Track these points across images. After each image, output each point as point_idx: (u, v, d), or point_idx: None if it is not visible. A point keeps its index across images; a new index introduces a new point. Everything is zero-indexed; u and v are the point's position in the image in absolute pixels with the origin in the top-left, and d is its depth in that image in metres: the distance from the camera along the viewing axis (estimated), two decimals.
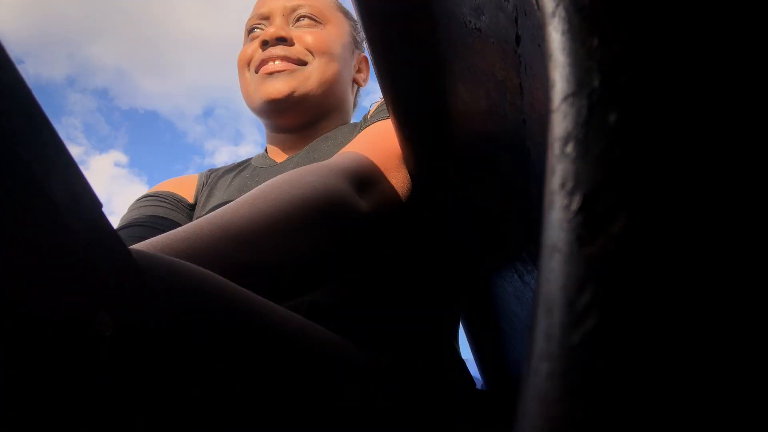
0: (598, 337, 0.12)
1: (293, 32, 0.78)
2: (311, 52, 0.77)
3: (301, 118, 0.78)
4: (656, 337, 0.12)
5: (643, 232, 0.13)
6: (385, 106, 0.69)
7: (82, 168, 0.21)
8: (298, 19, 0.79)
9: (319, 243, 0.46)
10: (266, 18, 0.81)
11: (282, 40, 0.77)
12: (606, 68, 0.14)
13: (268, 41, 0.76)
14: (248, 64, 0.80)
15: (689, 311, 0.12)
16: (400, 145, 0.59)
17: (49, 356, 0.20)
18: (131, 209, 0.76)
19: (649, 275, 0.12)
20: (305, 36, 0.78)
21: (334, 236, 0.48)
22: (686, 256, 0.12)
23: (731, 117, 0.13)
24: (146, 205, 0.75)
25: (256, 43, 0.79)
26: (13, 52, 0.18)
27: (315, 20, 0.79)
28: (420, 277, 0.67)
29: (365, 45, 0.47)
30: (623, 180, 0.13)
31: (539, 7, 0.17)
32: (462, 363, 0.68)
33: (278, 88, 0.74)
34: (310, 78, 0.76)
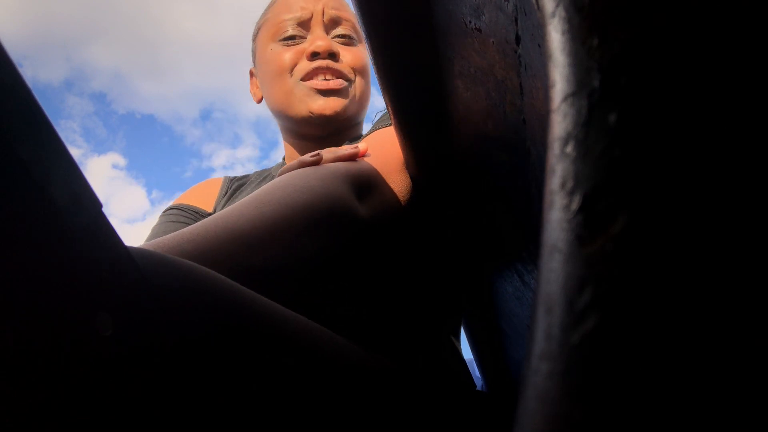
0: (598, 337, 0.12)
1: (348, 57, 0.80)
2: (354, 70, 0.80)
3: (333, 130, 0.80)
4: (656, 337, 0.12)
5: (643, 232, 0.13)
6: (388, 116, 0.70)
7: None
8: (336, 35, 0.80)
9: (321, 248, 0.47)
10: (303, 23, 0.80)
11: (332, 56, 0.78)
12: (606, 68, 0.14)
13: (320, 54, 0.77)
14: (289, 71, 0.79)
15: (689, 311, 0.12)
16: (401, 146, 0.59)
17: (49, 356, 0.20)
18: (158, 223, 0.79)
19: (649, 275, 0.12)
20: (346, 53, 0.79)
21: (336, 241, 0.49)
22: (686, 256, 0.12)
23: (731, 117, 0.13)
24: (167, 221, 0.78)
25: (298, 52, 0.79)
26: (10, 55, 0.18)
27: (351, 38, 0.81)
28: (421, 277, 0.67)
29: (368, 46, 0.47)
30: (623, 180, 0.13)
31: (539, 7, 0.17)
32: (462, 363, 0.68)
33: (332, 106, 0.76)
34: (354, 97, 0.79)
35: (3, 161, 0.17)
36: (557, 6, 0.16)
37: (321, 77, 0.77)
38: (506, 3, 0.27)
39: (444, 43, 0.40)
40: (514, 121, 0.33)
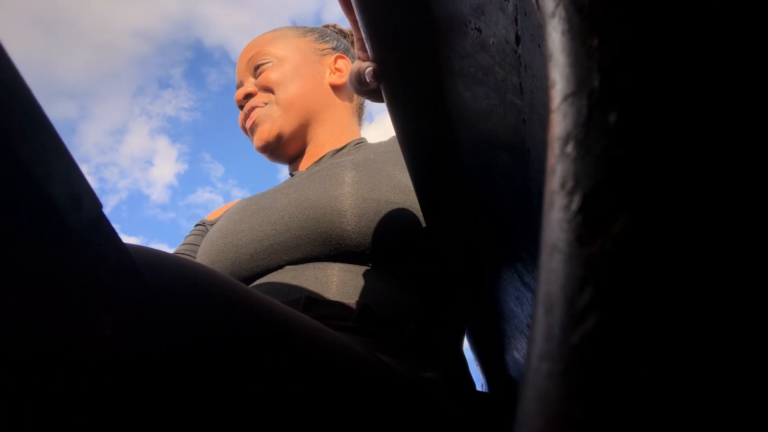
0: (598, 337, 0.12)
1: (257, 82, 0.88)
2: (271, 90, 0.87)
3: (295, 144, 0.87)
4: (656, 337, 0.12)
5: (643, 233, 0.13)
6: None
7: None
8: (257, 69, 0.89)
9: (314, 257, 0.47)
10: (240, 86, 0.91)
11: (248, 96, 0.88)
12: (606, 68, 0.14)
13: (241, 103, 0.89)
14: (243, 128, 0.92)
15: (689, 311, 0.12)
16: (400, 146, 0.59)
17: (50, 356, 0.20)
18: (189, 234, 0.92)
19: (649, 275, 0.12)
20: (264, 78, 0.87)
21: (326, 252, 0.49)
22: (686, 256, 0.12)
23: (731, 117, 0.13)
24: (194, 234, 0.91)
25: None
26: None
27: (268, 62, 0.88)
28: (422, 277, 0.67)
29: (368, 45, 0.47)
30: (623, 180, 0.13)
31: (539, 7, 0.17)
32: (464, 363, 0.68)
33: (258, 138, 0.86)
34: (275, 111, 0.85)
35: (3, 161, 0.17)
36: (557, 6, 0.16)
37: (248, 120, 0.88)
38: (506, 3, 0.27)
39: (444, 43, 0.40)
40: (514, 121, 0.33)
